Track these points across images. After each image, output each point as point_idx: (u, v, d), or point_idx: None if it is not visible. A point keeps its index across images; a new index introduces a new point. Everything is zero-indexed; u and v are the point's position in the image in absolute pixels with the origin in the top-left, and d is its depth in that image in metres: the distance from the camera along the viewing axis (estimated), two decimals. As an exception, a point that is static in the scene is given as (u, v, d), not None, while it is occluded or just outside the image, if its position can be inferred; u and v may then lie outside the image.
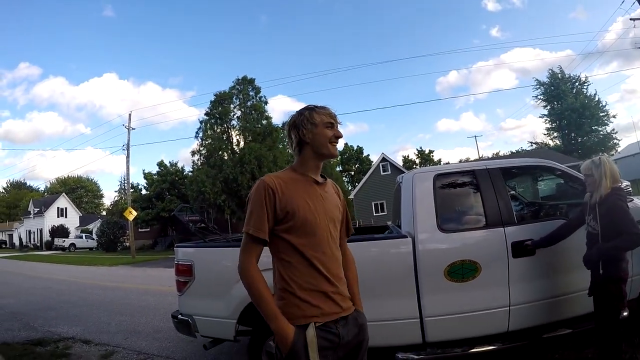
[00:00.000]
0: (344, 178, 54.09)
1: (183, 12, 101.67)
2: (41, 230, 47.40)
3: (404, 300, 2.95)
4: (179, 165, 36.21)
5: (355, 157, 58.97)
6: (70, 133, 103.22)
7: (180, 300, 3.54)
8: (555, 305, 3.03)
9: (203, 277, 3.36)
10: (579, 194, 3.17)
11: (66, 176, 66.30)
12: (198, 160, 28.33)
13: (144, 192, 36.00)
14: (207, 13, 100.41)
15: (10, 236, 55.51)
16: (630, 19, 20.43)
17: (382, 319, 2.85)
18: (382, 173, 33.78)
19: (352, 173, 58.38)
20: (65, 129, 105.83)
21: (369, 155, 58.53)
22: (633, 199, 3.37)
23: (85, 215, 55.87)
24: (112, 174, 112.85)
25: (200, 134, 28.10)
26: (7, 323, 6.22)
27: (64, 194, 54.78)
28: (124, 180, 34.89)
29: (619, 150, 41.01)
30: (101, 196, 72.49)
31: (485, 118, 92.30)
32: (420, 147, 60.90)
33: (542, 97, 44.37)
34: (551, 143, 44.51)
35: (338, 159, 46.42)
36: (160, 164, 35.34)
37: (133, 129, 27.24)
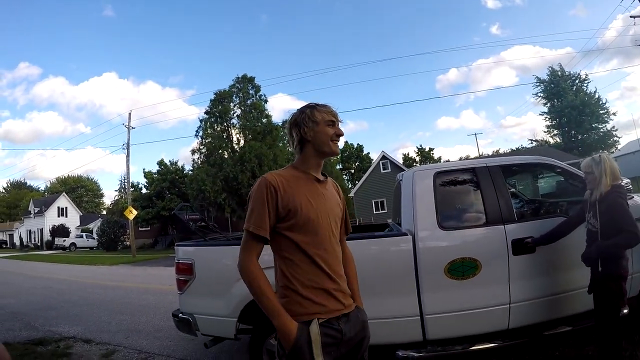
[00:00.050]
0: (344, 176, 54.14)
1: (183, 12, 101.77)
2: (41, 230, 47.45)
3: (404, 297, 2.95)
4: (179, 164, 36.35)
5: (355, 155, 59.00)
6: (70, 132, 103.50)
7: (180, 299, 3.54)
8: (556, 303, 3.03)
9: (203, 275, 3.36)
10: (579, 191, 3.17)
11: (66, 176, 66.43)
12: (198, 159, 28.33)
13: (144, 191, 36.05)
14: (206, 12, 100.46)
15: (11, 236, 55.57)
16: (631, 17, 20.41)
17: (382, 317, 2.85)
18: (382, 171, 33.80)
19: (352, 171, 58.43)
20: (65, 129, 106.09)
21: (369, 153, 58.71)
22: (633, 197, 3.37)
23: (86, 215, 55.91)
24: (112, 173, 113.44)
25: (201, 133, 28.12)
26: (8, 323, 6.23)
27: (64, 193, 54.81)
28: (124, 179, 34.88)
29: (619, 148, 41.01)
30: (101, 195, 72.62)
31: (486, 116, 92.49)
32: (421, 145, 61.13)
33: (542, 95, 44.35)
34: (551, 140, 44.52)
35: (338, 157, 46.34)
36: (161, 163, 35.41)
37: (133, 128, 27.23)
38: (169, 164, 35.66)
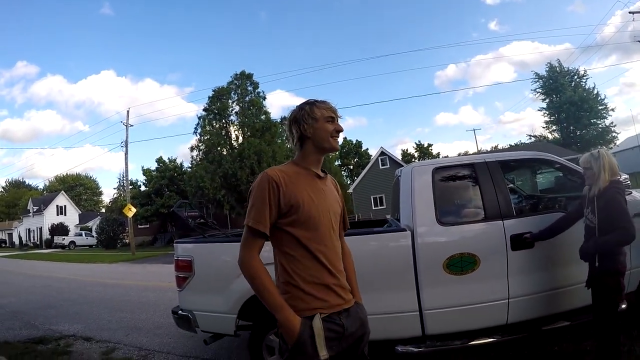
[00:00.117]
0: (342, 172, 54.20)
1: (181, 9, 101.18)
2: (41, 229, 47.37)
3: (403, 293, 2.96)
4: (178, 161, 36.33)
5: (354, 151, 59.02)
6: (68, 131, 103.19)
7: (180, 296, 3.54)
8: (554, 298, 3.04)
9: (203, 272, 3.36)
10: (577, 187, 3.17)
11: (65, 174, 66.15)
12: (197, 156, 28.30)
13: (143, 188, 36.05)
14: (204, 9, 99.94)
15: (10, 235, 55.50)
16: (630, 12, 20.46)
17: (381, 312, 2.85)
18: (380, 167, 33.80)
19: (351, 167, 58.45)
20: (63, 127, 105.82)
21: (367, 149, 58.75)
22: (632, 192, 3.37)
23: (85, 213, 55.85)
24: (110, 171, 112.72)
25: (199, 130, 28.07)
26: (8, 322, 6.23)
27: (62, 192, 54.72)
28: (123, 177, 34.94)
29: (617, 144, 41.10)
30: (100, 193, 72.51)
31: (484, 111, 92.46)
32: (419, 141, 61.10)
33: (540, 91, 44.38)
34: (550, 136, 44.57)
35: (337, 153, 46.36)
36: (159, 160, 35.42)
37: (131, 125, 27.17)
38: (167, 161, 35.68)
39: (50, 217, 47.75)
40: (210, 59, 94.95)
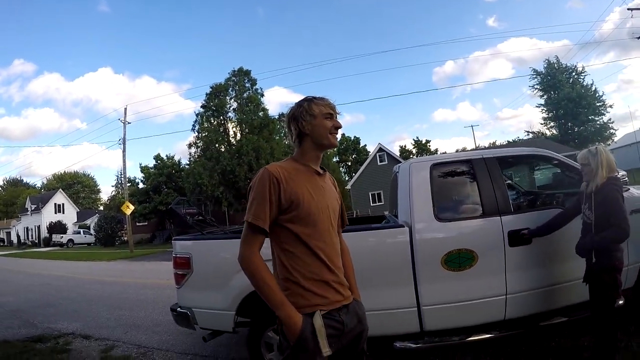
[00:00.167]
0: (341, 168, 54.21)
1: (178, 5, 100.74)
2: (39, 227, 47.27)
3: (401, 289, 2.97)
4: (176, 158, 36.15)
5: (352, 148, 58.92)
6: (66, 129, 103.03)
7: (178, 293, 3.54)
8: (552, 294, 3.05)
9: (201, 269, 3.36)
10: (575, 183, 3.17)
11: (63, 172, 66.08)
12: (195, 153, 28.22)
13: (141, 185, 35.89)
14: (202, 5, 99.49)
15: (8, 234, 55.35)
16: (628, 9, 20.39)
17: (379, 309, 2.86)
18: (379, 163, 33.83)
19: (349, 163, 58.39)
20: (61, 125, 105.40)
21: (365, 145, 58.59)
22: (629, 189, 3.38)
23: (83, 211, 55.75)
24: (108, 169, 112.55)
25: (197, 127, 27.97)
26: (7, 321, 6.21)
27: (60, 190, 54.57)
28: (121, 174, 34.65)
29: (615, 140, 41.21)
30: (98, 191, 72.35)
31: (482, 108, 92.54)
32: (417, 137, 61.28)
33: (538, 87, 44.45)
34: (548, 132, 44.65)
35: (335, 149, 46.34)
36: (157, 158, 35.23)
37: (129, 123, 27.06)
38: (165, 158, 35.51)
39: (48, 215, 47.63)
40: (207, 55, 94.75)
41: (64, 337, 5.03)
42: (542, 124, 45.58)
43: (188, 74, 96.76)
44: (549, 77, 42.95)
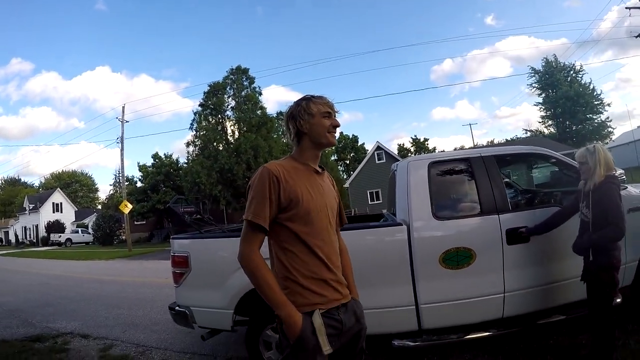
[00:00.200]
0: (339, 167, 54.19)
1: (175, 3, 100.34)
2: (37, 226, 47.13)
3: (399, 287, 2.97)
4: (174, 157, 36.13)
5: (350, 146, 58.95)
6: (64, 128, 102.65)
7: (177, 292, 3.54)
8: (550, 292, 3.05)
9: (199, 268, 3.36)
10: (573, 181, 3.18)
11: (61, 171, 65.83)
12: (193, 151, 28.25)
13: (139, 184, 35.84)
14: (200, 4, 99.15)
15: (6, 233, 55.18)
16: (626, 8, 20.34)
17: (378, 307, 2.86)
18: (377, 161, 33.80)
19: (347, 162, 58.44)
20: (59, 124, 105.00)
21: (364, 143, 58.62)
22: (627, 187, 3.39)
23: (81, 210, 55.61)
24: (106, 168, 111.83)
25: (195, 125, 27.97)
26: (5, 320, 6.20)
27: (58, 189, 54.33)
28: (119, 173, 34.69)
29: (613, 139, 41.26)
30: (96, 190, 72.20)
31: (480, 106, 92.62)
32: (415, 136, 61.34)
33: (537, 85, 44.52)
34: (546, 131, 44.76)
35: (333, 148, 46.34)
36: (155, 156, 35.19)
37: (127, 121, 26.92)
38: (163, 157, 35.47)
39: (46, 214, 47.48)
40: (205, 54, 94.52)
41: (63, 337, 5.03)
42: (540, 122, 45.80)
43: (186, 72, 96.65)
44: (547, 76, 43.04)
